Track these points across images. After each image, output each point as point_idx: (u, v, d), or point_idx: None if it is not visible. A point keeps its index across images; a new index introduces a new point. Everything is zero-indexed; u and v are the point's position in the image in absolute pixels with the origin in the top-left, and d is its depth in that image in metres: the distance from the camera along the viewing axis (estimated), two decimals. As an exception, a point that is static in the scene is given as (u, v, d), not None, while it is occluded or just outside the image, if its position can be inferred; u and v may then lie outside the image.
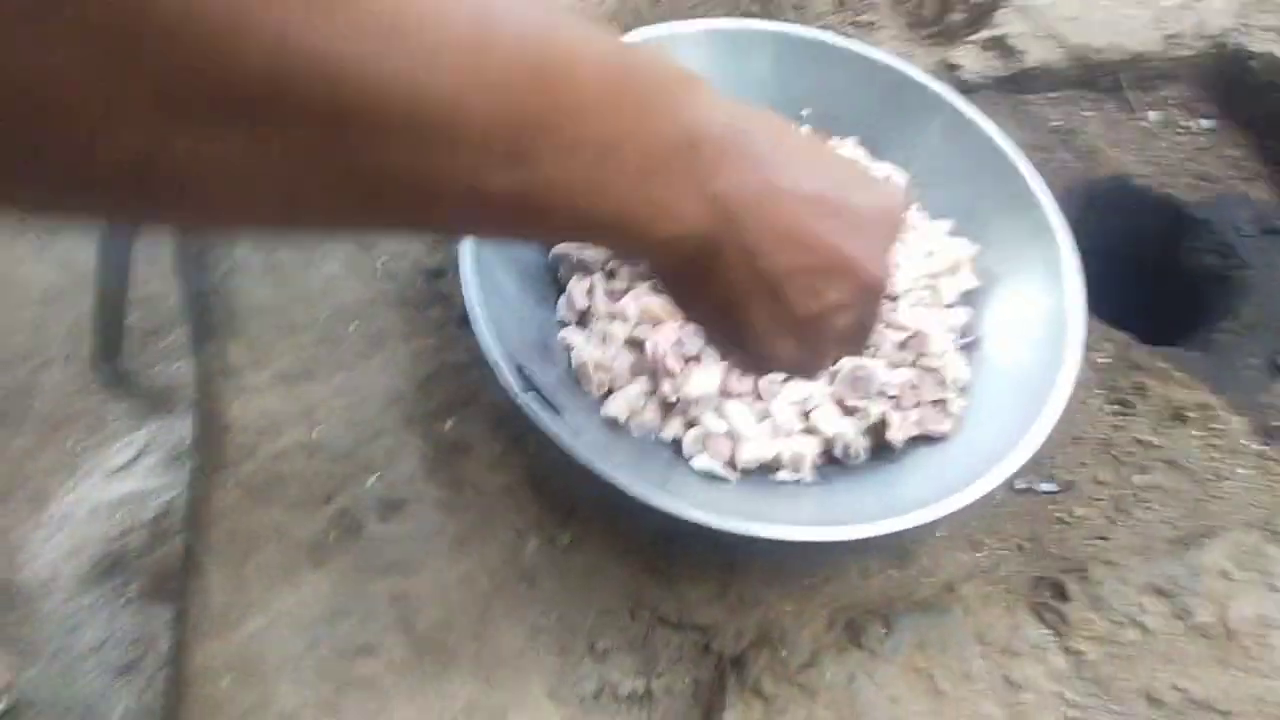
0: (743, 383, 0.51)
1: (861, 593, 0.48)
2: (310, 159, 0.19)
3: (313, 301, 0.56)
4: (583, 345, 0.51)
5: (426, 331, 0.54)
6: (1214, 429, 0.56)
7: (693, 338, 0.50)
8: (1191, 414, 0.56)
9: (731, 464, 0.49)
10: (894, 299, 0.53)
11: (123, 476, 1.13)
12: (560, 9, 0.23)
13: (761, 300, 0.30)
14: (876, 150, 0.59)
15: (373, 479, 0.49)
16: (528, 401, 0.44)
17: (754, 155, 0.27)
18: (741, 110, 0.28)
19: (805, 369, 0.35)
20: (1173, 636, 0.46)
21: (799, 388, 0.51)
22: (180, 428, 1.16)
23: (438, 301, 0.55)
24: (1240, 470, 0.54)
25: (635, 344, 0.52)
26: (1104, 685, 0.44)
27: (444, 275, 0.56)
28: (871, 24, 0.76)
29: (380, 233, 0.24)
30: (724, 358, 0.45)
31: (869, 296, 0.32)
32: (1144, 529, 0.51)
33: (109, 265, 1.04)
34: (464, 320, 0.47)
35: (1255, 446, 0.55)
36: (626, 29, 0.61)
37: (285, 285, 0.57)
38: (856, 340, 0.36)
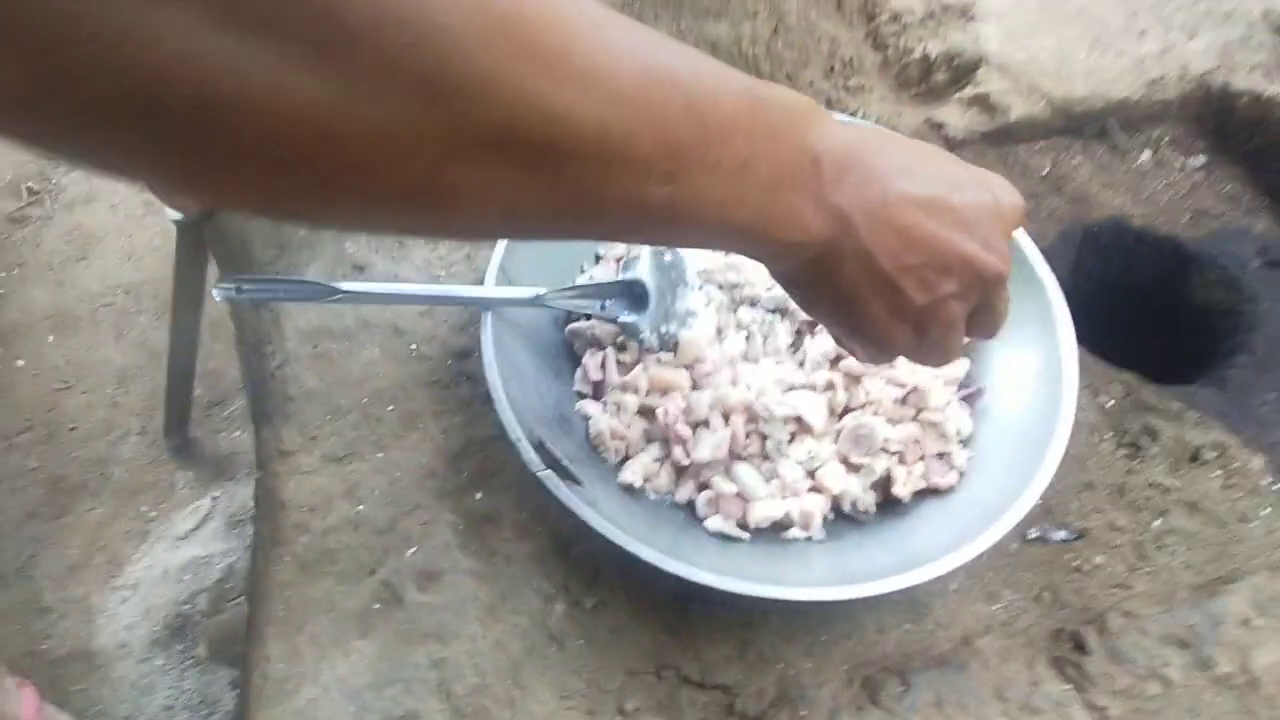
0: (751, 444, 0.54)
1: (878, 648, 0.50)
2: (530, 182, 0.24)
3: (354, 386, 0.61)
4: (598, 416, 0.55)
5: (456, 409, 0.58)
6: (1232, 469, 0.56)
7: (700, 403, 0.54)
8: (1208, 454, 0.56)
9: (744, 524, 0.52)
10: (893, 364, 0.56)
11: (189, 542, 1.20)
12: (697, 52, 0.28)
13: (880, 295, 0.34)
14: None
15: (411, 551, 0.53)
16: (548, 476, 0.47)
17: (868, 168, 0.32)
18: (857, 131, 0.33)
19: (926, 355, 0.38)
20: (1196, 689, 0.46)
21: (804, 447, 0.53)
22: (240, 494, 1.23)
23: (465, 381, 0.59)
24: (1263, 511, 0.54)
25: (647, 412, 0.55)
26: (1124, 737, 0.45)
27: (470, 356, 0.60)
28: (861, 87, 0.80)
29: (560, 236, 0.30)
30: (846, 348, 0.47)
31: (986, 284, 0.36)
32: (1165, 575, 0.52)
33: (179, 344, 1.13)
34: (489, 398, 0.51)
35: (1276, 486, 0.55)
36: None
37: (330, 371, 0.62)
38: (986, 325, 0.39)
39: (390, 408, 0.59)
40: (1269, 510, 0.53)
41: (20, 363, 1.46)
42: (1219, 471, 0.55)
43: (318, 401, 0.60)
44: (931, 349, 0.37)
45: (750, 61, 0.85)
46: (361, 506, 0.55)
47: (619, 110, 0.24)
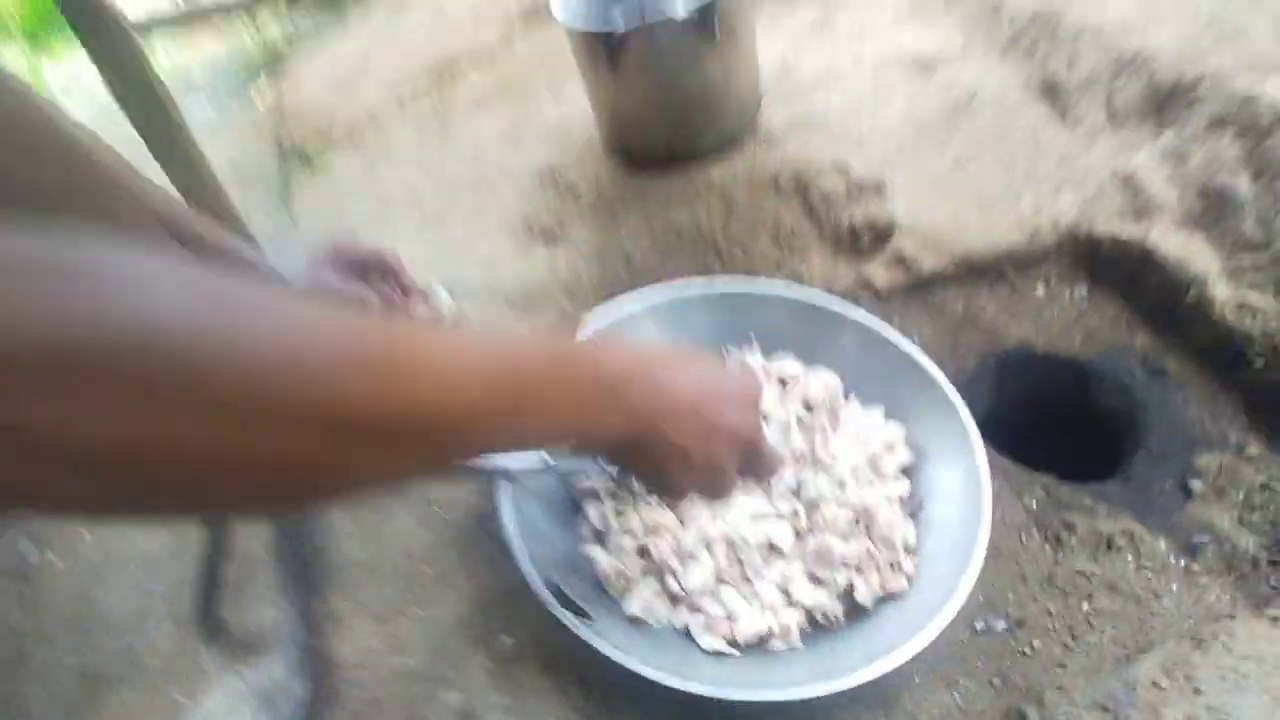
0: (732, 569, 0.63)
1: (859, 740, 0.57)
2: (406, 458, 0.33)
3: (392, 550, 0.71)
4: (603, 558, 0.65)
5: (482, 564, 0.68)
6: (1142, 552, 0.66)
7: (686, 538, 0.64)
8: (1120, 541, 0.66)
9: (733, 641, 0.61)
10: (842, 484, 0.67)
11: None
12: (506, 332, 0.41)
13: (673, 458, 0.48)
14: (808, 360, 0.76)
15: (450, 694, 0.61)
16: (563, 614, 0.57)
17: (647, 378, 0.45)
18: (637, 352, 0.47)
19: (709, 493, 0.53)
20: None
21: (777, 569, 0.63)
22: (273, 670, 1.28)
23: (488, 539, 0.70)
24: (1172, 586, 0.63)
25: (644, 551, 0.65)
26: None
27: (491, 516, 0.71)
28: (805, 248, 0.96)
29: (416, 480, 0.40)
30: (652, 493, 0.62)
31: (745, 444, 0.51)
32: (1095, 651, 0.60)
33: (214, 524, 1.22)
34: (510, 551, 0.61)
35: (1181, 563, 0.65)
36: (609, 294, 0.82)
37: (370, 540, 0.72)
38: (757, 470, 0.55)
39: (425, 567, 0.69)
40: (1176, 585, 0.62)
41: (55, 560, 1.55)
42: (1131, 555, 0.65)
43: (361, 568, 0.71)
44: (713, 489, 0.53)
45: (709, 238, 1.02)
46: (405, 659, 0.64)
47: (474, 403, 0.34)
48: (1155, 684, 0.54)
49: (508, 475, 0.66)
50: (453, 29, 1.57)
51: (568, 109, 1.26)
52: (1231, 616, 0.59)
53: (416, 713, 0.60)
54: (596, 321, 0.74)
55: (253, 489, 0.29)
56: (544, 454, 0.67)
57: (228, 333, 0.26)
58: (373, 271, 0.76)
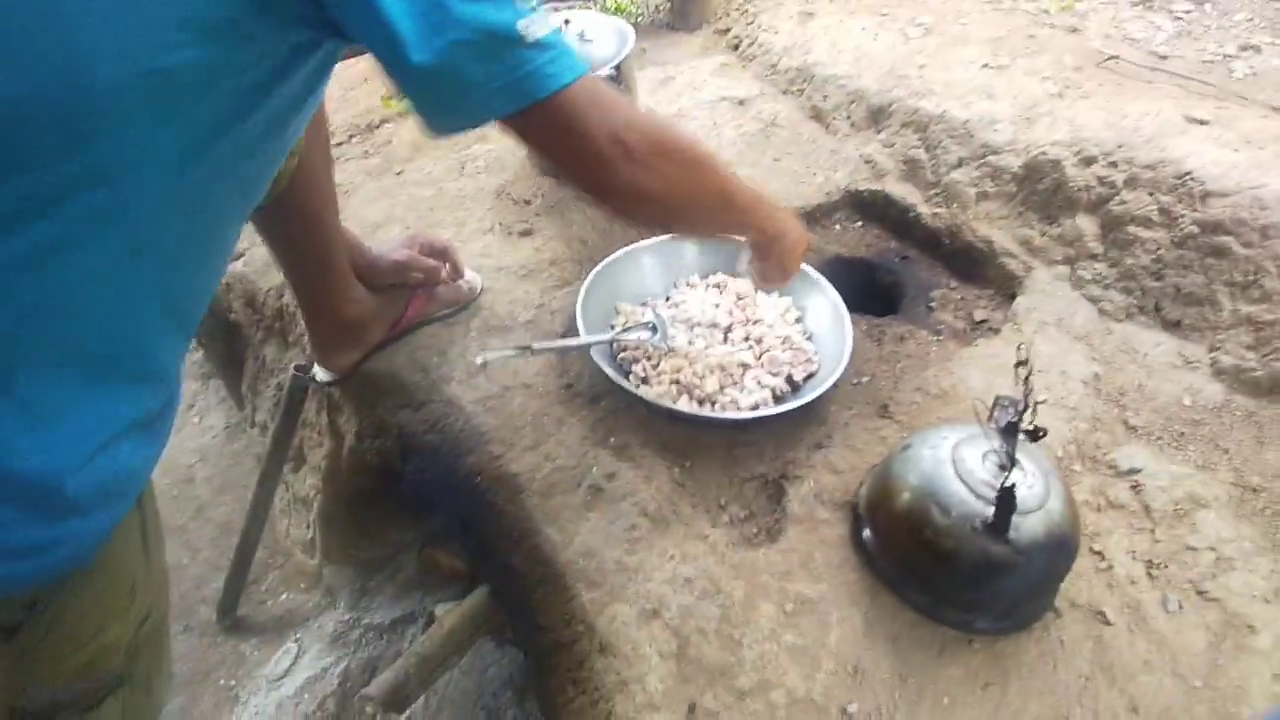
0: (727, 379, 1.13)
1: (816, 434, 1.09)
2: (732, 216, 0.90)
3: (518, 415, 1.11)
4: (649, 391, 1.11)
5: (580, 407, 1.11)
6: (916, 338, 1.26)
7: (700, 368, 1.13)
8: (906, 335, 1.26)
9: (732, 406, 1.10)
10: (771, 326, 1.20)
11: (291, 676, 1.44)
12: (751, 188, 0.91)
13: (789, 251, 1.00)
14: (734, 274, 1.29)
15: (594, 469, 1.03)
16: (651, 398, 1.02)
17: (783, 212, 0.99)
18: (778, 204, 1.00)
19: (790, 273, 1.06)
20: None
21: (751, 374, 1.14)
22: (328, 624, 1.50)
23: (573, 396, 1.12)
24: (932, 349, 1.24)
25: (675, 381, 1.13)
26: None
27: (571, 383, 1.13)
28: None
29: (712, 230, 1.00)
30: (769, 279, 1.09)
31: (805, 249, 1.05)
32: (907, 381, 1.18)
33: (258, 511, 1.44)
34: (592, 399, 1.04)
35: (934, 339, 1.26)
36: (579, 264, 1.29)
37: (497, 413, 1.11)
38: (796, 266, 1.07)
39: (544, 418, 1.10)
40: (934, 348, 1.23)
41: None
42: (912, 341, 1.25)
43: (501, 428, 1.09)
44: (790, 273, 1.06)
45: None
46: (558, 462, 1.04)
47: (715, 208, 0.86)
48: (938, 385, 1.13)
49: (594, 346, 1.10)
50: (371, 88, 1.93)
51: (493, 146, 1.70)
52: (956, 353, 1.21)
53: (579, 483, 1.01)
54: (607, 259, 1.22)
55: (699, 215, 0.86)
56: (599, 335, 1.13)
57: (704, 155, 0.81)
58: (436, 253, 1.21)
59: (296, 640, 1.51)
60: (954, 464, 0.86)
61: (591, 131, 0.67)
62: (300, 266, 1.10)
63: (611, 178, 0.70)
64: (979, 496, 0.83)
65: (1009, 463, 0.81)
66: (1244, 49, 1.45)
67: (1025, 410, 0.78)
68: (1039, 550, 0.81)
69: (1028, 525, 0.81)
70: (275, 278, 1.47)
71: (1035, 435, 0.78)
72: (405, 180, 1.64)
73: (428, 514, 1.36)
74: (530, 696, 1.33)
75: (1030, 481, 0.83)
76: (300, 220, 1.02)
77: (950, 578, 0.85)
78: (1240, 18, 1.51)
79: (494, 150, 1.68)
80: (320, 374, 1.24)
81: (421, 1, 0.57)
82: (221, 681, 1.50)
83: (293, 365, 1.29)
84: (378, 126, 1.81)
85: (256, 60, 0.57)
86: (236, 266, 1.50)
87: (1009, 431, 0.81)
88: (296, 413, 1.35)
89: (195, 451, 1.83)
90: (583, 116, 0.66)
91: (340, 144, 1.78)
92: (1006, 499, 0.78)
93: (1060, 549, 0.83)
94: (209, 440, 1.88)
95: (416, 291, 1.24)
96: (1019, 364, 0.76)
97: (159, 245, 0.59)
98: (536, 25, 0.61)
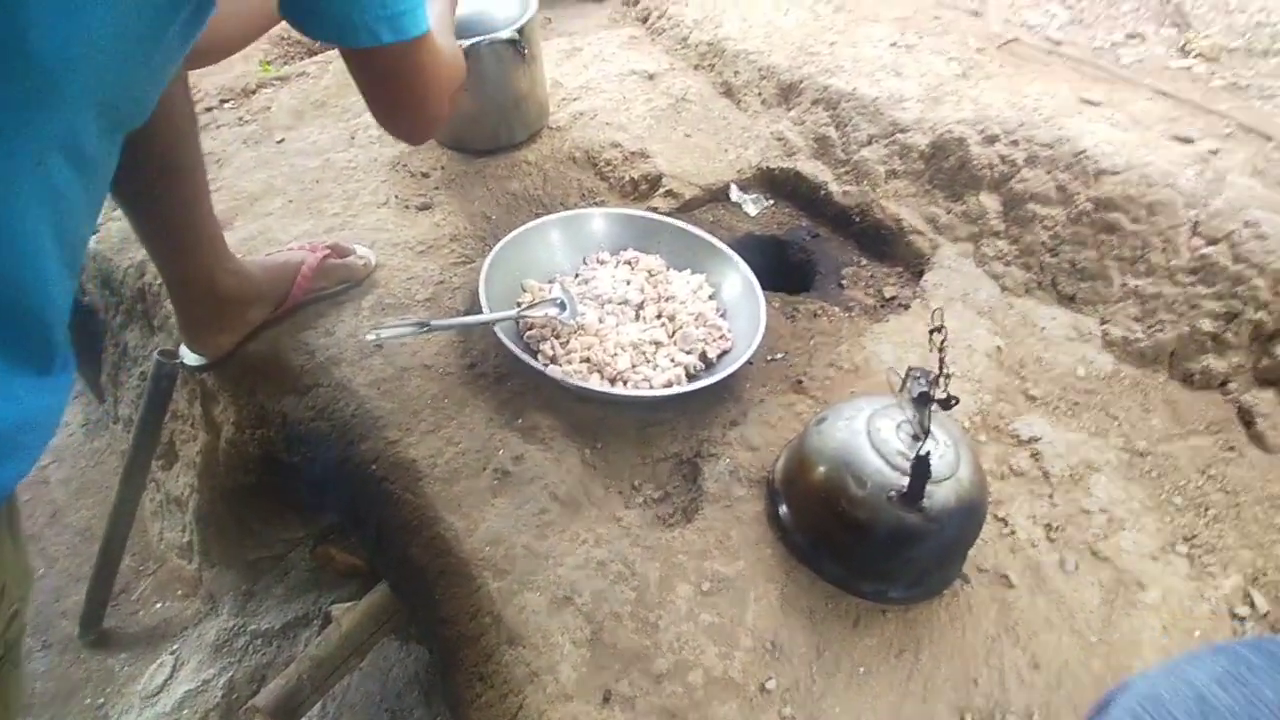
0: (639, 357, 1.08)
1: (732, 411, 1.06)
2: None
3: (416, 399, 1.02)
4: (558, 370, 1.05)
5: (484, 389, 1.04)
6: (829, 315, 1.25)
7: (611, 345, 1.07)
8: (819, 312, 1.25)
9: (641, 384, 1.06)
10: (683, 303, 1.16)
11: (168, 691, 1.31)
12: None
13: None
14: (645, 250, 1.24)
15: (501, 452, 0.97)
16: (560, 375, 0.97)
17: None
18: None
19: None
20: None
21: (664, 352, 1.10)
22: (208, 634, 1.36)
23: (475, 376, 1.05)
24: (844, 327, 1.24)
25: (586, 360, 1.07)
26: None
27: (474, 363, 1.06)
28: (603, 201, 1.44)
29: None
30: None
31: None
32: (820, 356, 1.17)
33: (123, 507, 1.29)
34: (497, 379, 0.98)
35: (847, 314, 1.26)
36: (481, 239, 1.22)
37: (393, 397, 1.02)
38: None
39: (445, 400, 1.02)
40: (846, 325, 1.23)
41: None
42: (825, 318, 1.24)
43: (398, 413, 1.01)
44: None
45: (537, 198, 1.45)
46: (463, 445, 0.97)
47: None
48: (850, 360, 1.13)
49: (499, 322, 1.03)
50: (246, 51, 1.76)
51: (391, 117, 1.58)
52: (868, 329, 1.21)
53: (484, 467, 0.95)
54: (512, 234, 1.15)
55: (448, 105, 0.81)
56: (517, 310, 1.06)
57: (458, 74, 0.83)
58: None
59: (173, 652, 1.38)
60: (868, 435, 0.85)
61: (430, 80, 0.74)
62: (165, 232, 0.98)
63: (431, 127, 0.82)
64: (894, 467, 0.82)
65: (923, 432, 0.80)
66: (1130, 37, 1.52)
67: (940, 377, 0.78)
68: (951, 518, 0.81)
69: (940, 494, 0.80)
70: (135, 253, 1.32)
71: (948, 404, 0.78)
72: (287, 149, 1.50)
73: (318, 508, 1.25)
74: (437, 695, 1.25)
75: (942, 451, 0.83)
76: (163, 175, 0.90)
77: (865, 548, 0.84)
78: (1127, 8, 1.59)
79: (391, 119, 1.56)
80: (189, 358, 1.12)
81: None
82: (88, 700, 1.35)
83: (157, 351, 1.16)
84: (254, 91, 1.66)
85: None
86: (89, 244, 1.34)
87: (922, 401, 0.80)
88: (164, 403, 1.21)
89: (50, 451, 1.64)
90: (430, 64, 0.73)
91: (210, 109, 1.62)
92: (921, 468, 0.77)
93: (970, 516, 0.83)
94: (65, 439, 1.68)
95: (303, 267, 1.13)
96: (934, 329, 0.75)
97: (68, 153, 0.54)
98: None
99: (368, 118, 1.63)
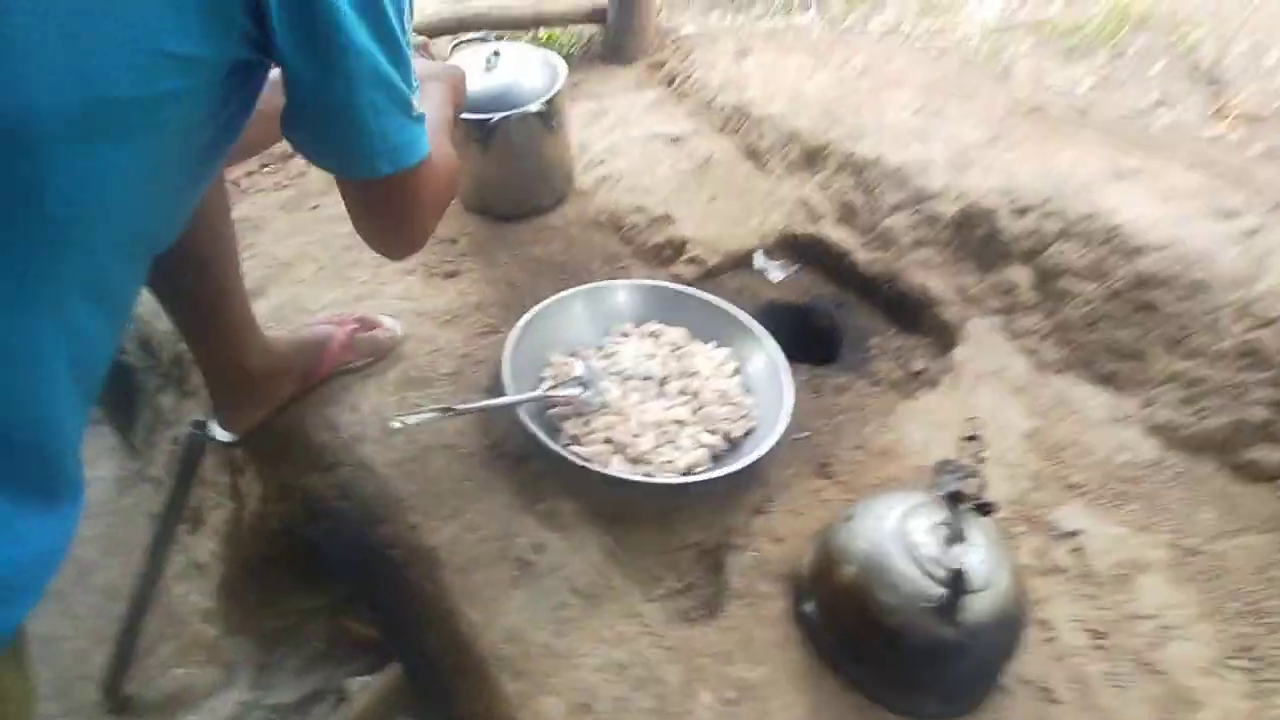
0: (662, 438, 1.07)
1: (755, 497, 1.03)
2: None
3: (437, 480, 1.01)
4: (581, 450, 1.04)
5: (504, 470, 1.03)
6: (856, 389, 1.23)
7: (634, 425, 1.06)
8: (845, 385, 1.23)
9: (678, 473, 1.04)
10: (708, 378, 1.14)
11: (182, 764, 1.29)
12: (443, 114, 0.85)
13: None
14: (670, 322, 1.23)
15: (521, 540, 0.95)
16: (583, 461, 0.95)
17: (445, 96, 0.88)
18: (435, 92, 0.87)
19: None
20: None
21: (687, 432, 1.08)
22: (225, 704, 1.34)
23: (498, 456, 1.04)
24: (869, 402, 1.21)
25: (608, 440, 1.05)
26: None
27: (497, 443, 1.05)
28: (625, 267, 1.43)
29: None
30: None
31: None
32: (849, 432, 1.14)
33: (145, 590, 1.29)
34: (518, 459, 0.97)
35: (874, 388, 1.23)
36: (506, 307, 1.21)
37: (415, 479, 1.01)
38: None
39: (466, 483, 1.01)
40: (872, 400, 1.20)
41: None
42: (852, 393, 1.21)
43: (420, 496, 1.00)
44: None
45: (561, 264, 1.45)
46: (482, 532, 0.96)
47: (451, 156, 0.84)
48: (878, 442, 1.10)
49: (522, 405, 1.02)
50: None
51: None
52: (893, 404, 1.18)
53: (504, 555, 0.93)
54: (536, 309, 1.15)
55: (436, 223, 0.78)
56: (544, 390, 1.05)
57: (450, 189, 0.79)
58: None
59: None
60: (901, 537, 0.82)
61: (422, 207, 0.72)
62: (196, 320, 0.99)
63: (415, 248, 0.79)
64: (927, 574, 0.78)
65: (958, 538, 0.77)
66: (1160, 103, 1.50)
67: (976, 483, 0.75)
68: (988, 631, 0.77)
69: (977, 604, 0.77)
70: (170, 321, 1.34)
71: (986, 510, 0.75)
72: (320, 215, 1.53)
73: (335, 580, 1.24)
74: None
75: (978, 555, 0.80)
76: (195, 267, 0.91)
77: (896, 658, 0.81)
78: (1156, 70, 1.57)
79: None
80: (220, 433, 1.12)
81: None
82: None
83: (191, 421, 1.16)
84: (292, 156, 1.69)
85: (200, 86, 0.54)
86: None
87: (953, 499, 0.77)
88: (193, 471, 1.22)
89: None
90: (425, 190, 0.70)
91: (250, 173, 1.66)
92: (958, 582, 0.73)
93: (1010, 628, 0.80)
94: (97, 493, 1.69)
95: (331, 342, 1.14)
96: (969, 438, 0.72)
97: (88, 290, 0.53)
98: (418, 100, 0.65)
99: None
